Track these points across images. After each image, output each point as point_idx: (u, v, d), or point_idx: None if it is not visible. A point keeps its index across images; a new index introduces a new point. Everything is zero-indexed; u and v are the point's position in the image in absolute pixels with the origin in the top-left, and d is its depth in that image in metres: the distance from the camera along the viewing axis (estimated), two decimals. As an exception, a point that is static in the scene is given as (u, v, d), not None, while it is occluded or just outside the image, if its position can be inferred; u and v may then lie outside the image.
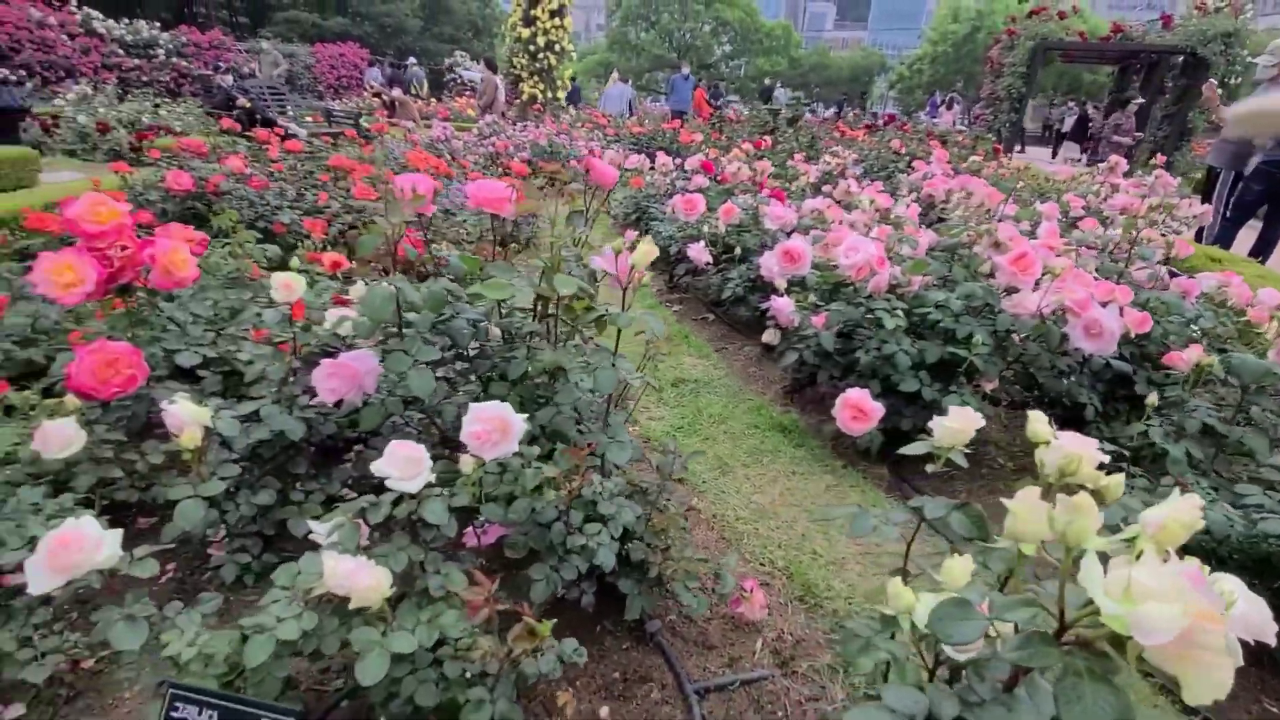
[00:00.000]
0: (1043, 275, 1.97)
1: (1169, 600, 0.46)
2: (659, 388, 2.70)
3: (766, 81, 24.50)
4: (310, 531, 1.66)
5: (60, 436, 1.34)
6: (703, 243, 3.17)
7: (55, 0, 15.19)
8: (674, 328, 3.43)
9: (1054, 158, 16.93)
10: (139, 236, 1.97)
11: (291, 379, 1.72)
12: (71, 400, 1.42)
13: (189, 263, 1.61)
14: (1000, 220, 2.59)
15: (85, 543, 1.01)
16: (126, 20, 15.20)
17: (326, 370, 1.47)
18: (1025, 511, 0.62)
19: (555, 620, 1.10)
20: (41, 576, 0.99)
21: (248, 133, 4.96)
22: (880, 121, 15.08)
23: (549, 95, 14.11)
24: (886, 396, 2.02)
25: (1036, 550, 0.65)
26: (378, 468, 1.16)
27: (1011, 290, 2.05)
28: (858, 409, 1.90)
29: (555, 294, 1.40)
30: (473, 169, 5.08)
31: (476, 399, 1.62)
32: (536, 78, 14.13)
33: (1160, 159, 4.19)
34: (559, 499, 1.26)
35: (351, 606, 0.99)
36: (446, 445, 1.69)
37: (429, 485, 1.18)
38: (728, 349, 3.29)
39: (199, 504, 1.34)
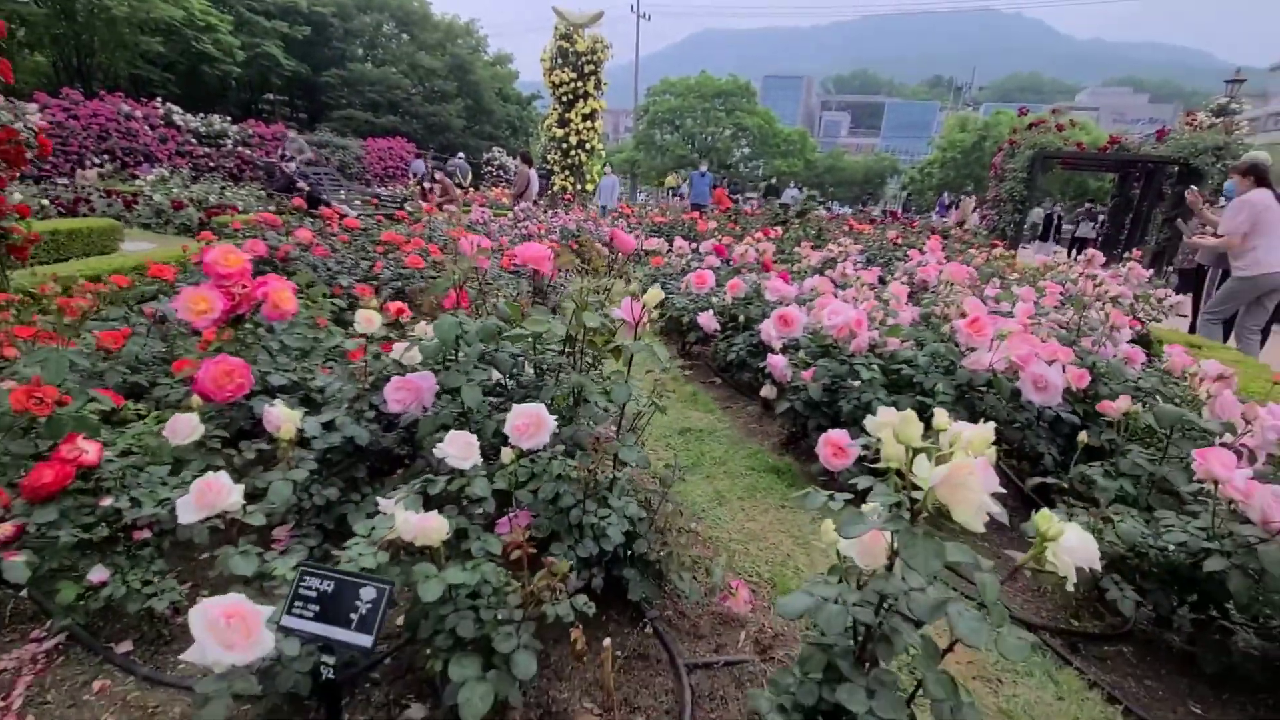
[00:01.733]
0: (996, 339, 2.31)
1: (946, 465, 0.78)
2: (667, 435, 3.01)
3: (773, 180, 25.85)
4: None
5: (187, 426, 1.69)
6: (711, 312, 3.57)
7: (144, 97, 17.10)
8: (683, 388, 3.77)
9: (1035, 253, 17.75)
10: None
11: (358, 399, 2.08)
12: (196, 401, 1.78)
13: (292, 299, 2.02)
14: (968, 296, 2.95)
15: (222, 488, 1.35)
16: (203, 115, 16.90)
17: (396, 384, 1.83)
18: (883, 429, 0.94)
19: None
20: (190, 510, 1.32)
21: (314, 211, 5.61)
22: (885, 218, 15.99)
23: (578, 187, 15.24)
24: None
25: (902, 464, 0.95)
26: (440, 450, 1.49)
27: (971, 349, 2.38)
28: (838, 447, 2.20)
29: (582, 329, 1.77)
30: (510, 247, 5.63)
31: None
32: (568, 172, 15.34)
33: (1136, 253, 4.58)
34: (578, 486, 1.56)
35: (418, 544, 1.29)
36: (485, 457, 2.01)
37: (475, 467, 1.50)
38: (732, 407, 3.61)
39: (288, 485, 1.66)
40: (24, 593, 1.73)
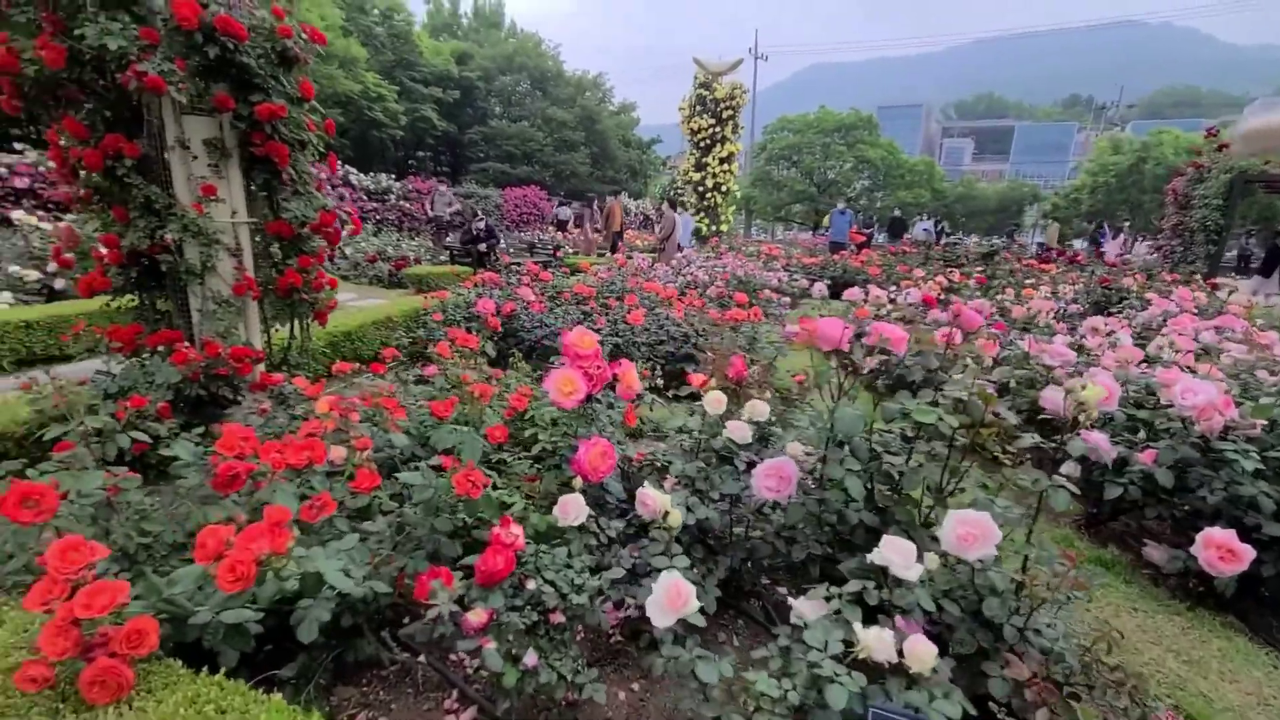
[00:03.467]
0: None
1: None
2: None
3: (895, 212, 23.72)
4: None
5: (576, 507, 1.74)
6: (965, 375, 3.34)
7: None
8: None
9: (1253, 292, 15.36)
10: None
11: (697, 478, 2.08)
12: (578, 482, 1.84)
13: (638, 379, 2.07)
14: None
15: (686, 593, 1.35)
16: (372, 174, 18.90)
17: (765, 471, 1.80)
18: None
19: None
20: (661, 614, 1.33)
21: (517, 265, 5.98)
22: (1048, 252, 14.72)
23: (714, 229, 15.36)
24: (1237, 540, 2.00)
25: None
26: (879, 556, 1.41)
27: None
28: (1227, 549, 1.91)
29: (979, 421, 1.66)
30: (698, 298, 5.69)
31: (862, 508, 1.88)
32: (703, 213, 15.53)
33: None
34: (1015, 602, 1.43)
35: (913, 670, 1.21)
36: (850, 547, 1.90)
37: (918, 577, 1.41)
38: (996, 480, 3.32)
39: (674, 574, 1.65)
40: (421, 657, 1.86)
